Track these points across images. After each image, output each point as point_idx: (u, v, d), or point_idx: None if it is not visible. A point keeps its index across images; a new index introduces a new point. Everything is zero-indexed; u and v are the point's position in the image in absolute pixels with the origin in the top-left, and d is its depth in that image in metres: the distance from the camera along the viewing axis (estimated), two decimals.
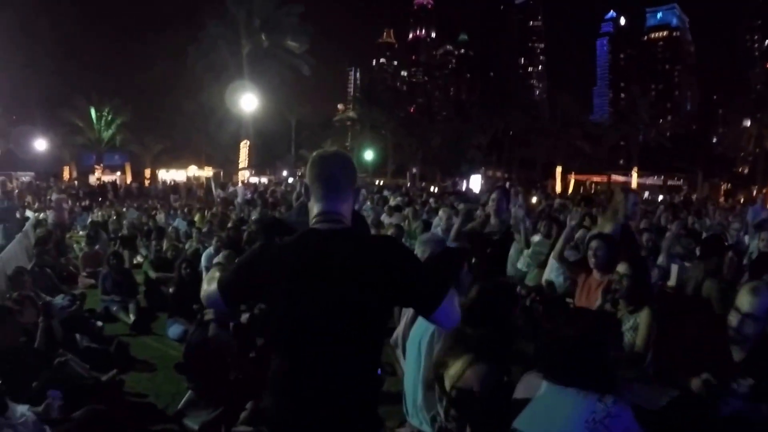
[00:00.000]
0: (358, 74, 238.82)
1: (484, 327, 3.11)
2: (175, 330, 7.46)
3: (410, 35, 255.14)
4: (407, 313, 4.59)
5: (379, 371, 2.37)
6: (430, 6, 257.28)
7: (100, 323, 7.99)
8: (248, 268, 2.26)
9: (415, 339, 3.81)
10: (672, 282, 7.49)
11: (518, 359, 3.08)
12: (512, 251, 7.75)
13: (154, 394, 5.81)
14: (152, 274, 9.64)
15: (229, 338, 5.88)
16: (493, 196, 6.71)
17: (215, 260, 7.29)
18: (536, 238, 7.93)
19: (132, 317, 8.27)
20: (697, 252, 7.95)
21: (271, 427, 2.24)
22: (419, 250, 5.55)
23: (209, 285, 2.35)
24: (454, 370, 2.85)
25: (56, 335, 5.92)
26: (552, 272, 7.14)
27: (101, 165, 46.38)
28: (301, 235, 2.24)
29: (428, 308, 2.22)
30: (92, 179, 41.30)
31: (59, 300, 8.15)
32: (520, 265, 7.89)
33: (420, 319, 3.89)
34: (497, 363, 2.90)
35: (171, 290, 8.27)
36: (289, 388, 2.18)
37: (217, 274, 2.36)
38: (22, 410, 3.95)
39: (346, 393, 2.16)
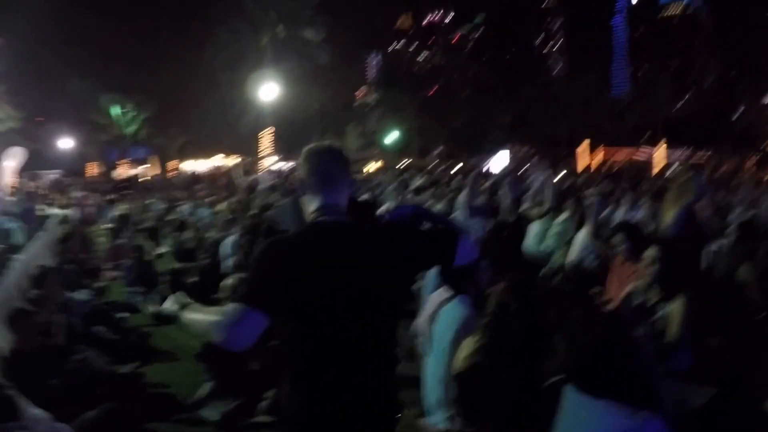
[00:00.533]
0: (377, 59, 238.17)
1: (511, 331, 2.88)
2: None
3: (427, 18, 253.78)
4: (427, 305, 4.36)
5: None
6: None
7: (123, 315, 7.96)
8: (266, 265, 2.12)
9: (437, 334, 3.60)
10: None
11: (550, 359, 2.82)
12: (535, 230, 7.49)
13: (175, 384, 5.72)
14: (174, 265, 9.55)
15: None
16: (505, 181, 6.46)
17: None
18: (562, 217, 7.64)
19: (154, 308, 8.17)
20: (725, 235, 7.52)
21: (296, 416, 2.15)
22: None
23: (212, 316, 2.11)
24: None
25: (76, 331, 5.83)
26: (579, 252, 6.89)
27: (127, 159, 46.67)
28: (307, 229, 2.23)
29: (445, 264, 2.33)
30: (118, 173, 41.66)
31: (81, 295, 8.13)
32: (543, 246, 7.62)
33: (443, 314, 3.69)
34: (524, 368, 2.68)
35: (192, 280, 8.14)
36: (312, 377, 2.11)
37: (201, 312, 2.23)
38: (34, 411, 3.84)
39: (370, 379, 2.15)
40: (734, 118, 60.40)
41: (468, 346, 2.99)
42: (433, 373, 3.52)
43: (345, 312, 2.07)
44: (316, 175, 2.23)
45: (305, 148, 2.35)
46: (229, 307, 2.03)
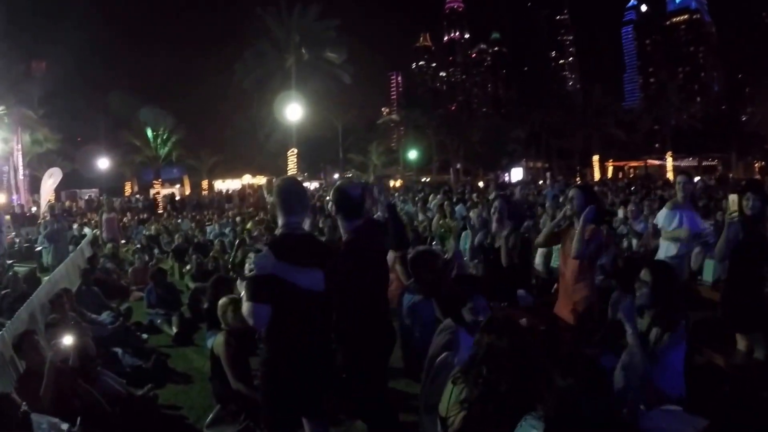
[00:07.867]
0: (399, 78, 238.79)
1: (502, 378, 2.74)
2: (212, 341, 7.22)
3: (445, 37, 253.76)
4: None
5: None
6: (460, 9, 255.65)
7: (145, 336, 7.90)
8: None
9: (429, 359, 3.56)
10: (708, 277, 6.55)
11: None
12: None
13: (188, 406, 5.63)
14: (192, 285, 9.44)
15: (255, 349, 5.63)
16: (496, 204, 6.23)
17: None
18: None
19: (174, 329, 8.11)
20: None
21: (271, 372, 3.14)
22: None
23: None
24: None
25: (90, 353, 5.74)
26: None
27: (160, 179, 46.97)
28: (278, 239, 3.18)
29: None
30: (152, 193, 41.95)
31: (105, 317, 8.08)
32: (553, 263, 7.48)
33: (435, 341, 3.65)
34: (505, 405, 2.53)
35: (205, 305, 8.04)
36: (283, 340, 3.08)
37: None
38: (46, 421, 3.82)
39: (318, 339, 3.18)
40: (743, 119, 59.17)
41: (455, 394, 2.86)
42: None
43: (307, 293, 2.99)
44: (280, 204, 3.22)
45: (276, 181, 3.37)
46: (246, 305, 2.95)
